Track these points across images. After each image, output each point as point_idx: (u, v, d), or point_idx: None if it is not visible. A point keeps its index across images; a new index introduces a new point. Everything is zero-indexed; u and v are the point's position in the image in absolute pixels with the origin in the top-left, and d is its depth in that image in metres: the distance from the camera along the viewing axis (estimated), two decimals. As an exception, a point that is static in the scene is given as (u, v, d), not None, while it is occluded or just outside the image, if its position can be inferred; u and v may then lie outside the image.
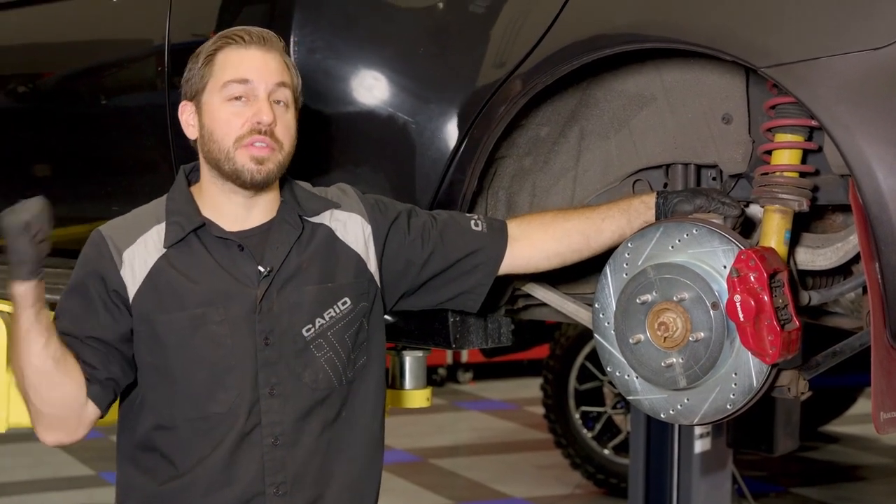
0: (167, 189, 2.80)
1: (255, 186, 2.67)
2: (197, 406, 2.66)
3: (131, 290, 2.66)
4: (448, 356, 11.31)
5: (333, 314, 2.73)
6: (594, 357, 7.54)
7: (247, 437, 2.66)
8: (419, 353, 3.46)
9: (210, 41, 2.72)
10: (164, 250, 2.67)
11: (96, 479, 7.58)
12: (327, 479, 2.73)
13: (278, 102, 2.68)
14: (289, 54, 2.87)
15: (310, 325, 2.70)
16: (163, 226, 2.69)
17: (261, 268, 2.68)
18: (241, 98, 2.65)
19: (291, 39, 3.06)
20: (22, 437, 8.71)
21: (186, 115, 2.74)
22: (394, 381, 3.47)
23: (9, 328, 2.72)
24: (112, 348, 2.66)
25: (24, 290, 2.52)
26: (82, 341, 2.65)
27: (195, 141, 2.74)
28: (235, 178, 2.66)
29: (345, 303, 2.74)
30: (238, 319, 2.66)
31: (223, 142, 2.65)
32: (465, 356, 11.40)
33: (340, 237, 2.76)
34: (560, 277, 3.00)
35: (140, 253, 2.67)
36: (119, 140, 3.68)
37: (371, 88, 3.04)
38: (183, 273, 2.66)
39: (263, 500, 2.67)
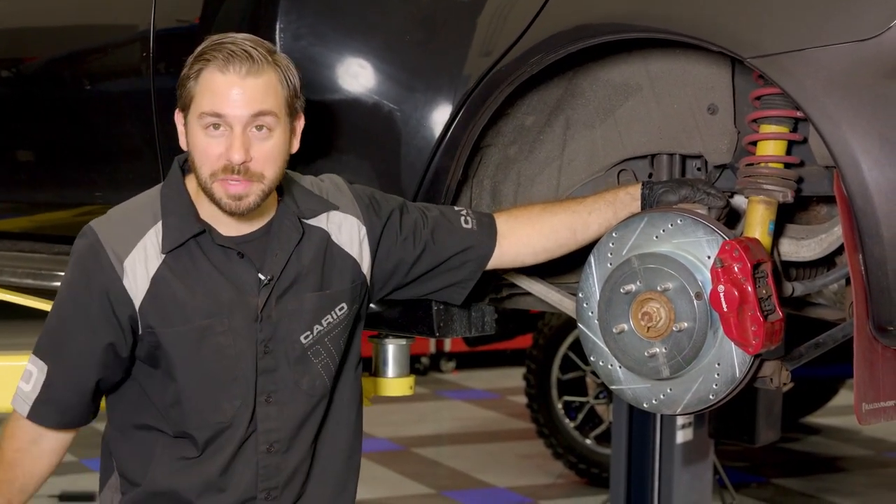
0: (151, 176, 2.79)
1: (239, 216, 2.60)
2: (203, 416, 2.64)
3: (136, 301, 2.59)
4: (431, 345, 11.31)
5: (331, 320, 2.71)
6: (577, 347, 7.54)
7: (243, 445, 2.65)
8: (402, 342, 3.45)
9: (203, 47, 2.60)
10: (163, 256, 2.60)
11: (78, 466, 7.54)
12: (312, 476, 2.74)
13: (260, 128, 2.56)
14: (275, 50, 2.85)
15: (308, 332, 2.68)
16: (160, 226, 2.62)
17: (261, 276, 2.64)
18: (218, 126, 2.55)
19: (277, 26, 3.04)
20: (3, 422, 8.68)
21: (180, 126, 2.65)
22: (376, 369, 3.47)
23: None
24: (99, 370, 2.65)
25: None
26: (69, 362, 2.65)
27: (185, 151, 2.65)
28: (217, 205, 2.59)
29: (341, 308, 2.73)
30: (240, 329, 2.63)
31: (200, 171, 2.57)
32: (447, 345, 11.40)
33: (335, 241, 2.73)
34: (544, 267, 2.99)
35: (140, 260, 2.60)
36: (103, 126, 3.67)
37: (357, 76, 3.03)
38: (184, 282, 2.61)
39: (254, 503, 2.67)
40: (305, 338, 2.68)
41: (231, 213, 2.59)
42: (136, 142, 3.50)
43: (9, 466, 2.75)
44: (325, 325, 2.70)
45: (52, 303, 3.53)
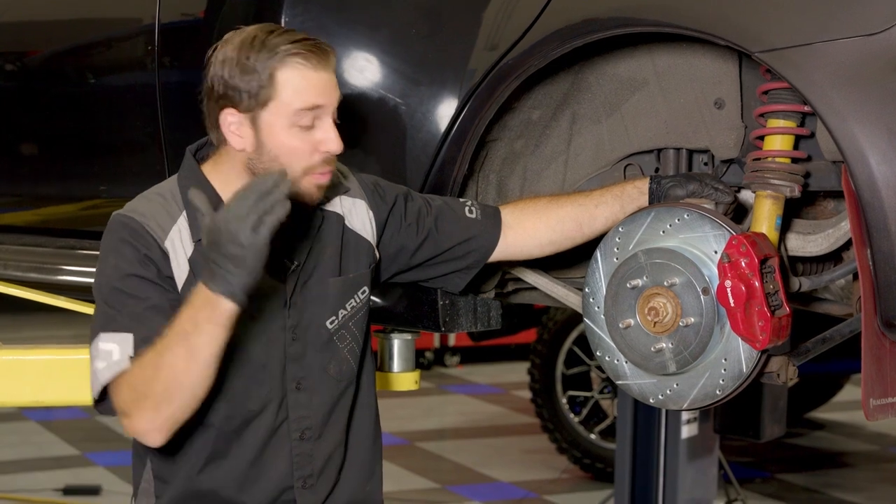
0: (155, 169, 2.78)
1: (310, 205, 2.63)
2: (232, 404, 2.62)
3: (179, 282, 2.55)
4: (435, 339, 11.30)
5: (354, 304, 2.72)
6: (581, 342, 7.55)
7: (275, 433, 2.64)
8: (408, 336, 3.45)
9: (268, 48, 2.52)
10: (194, 243, 2.57)
11: (81, 459, 7.55)
12: (345, 464, 2.74)
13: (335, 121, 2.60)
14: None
15: (333, 317, 2.68)
16: (185, 215, 2.58)
17: (287, 262, 2.64)
18: (310, 121, 2.56)
19: (282, 20, 3.04)
20: (7, 415, 8.70)
21: (234, 126, 2.56)
22: (382, 363, 3.46)
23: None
24: None
25: (231, 309, 2.38)
26: (149, 322, 2.50)
27: (241, 150, 2.58)
28: (291, 198, 2.57)
29: (364, 292, 2.73)
30: (270, 315, 2.62)
31: (290, 168, 2.53)
32: (452, 340, 11.40)
33: (349, 225, 2.74)
34: (550, 262, 2.99)
35: (178, 243, 2.57)
36: (108, 120, 3.66)
37: (362, 70, 3.02)
38: None
39: (292, 493, 2.66)
40: (331, 323, 2.68)
41: (308, 204, 2.62)
42: (140, 135, 3.49)
43: (166, 386, 2.43)
44: (349, 309, 2.71)
45: (56, 297, 3.55)
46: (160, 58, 3.39)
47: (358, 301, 2.72)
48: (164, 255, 2.54)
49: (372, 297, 2.88)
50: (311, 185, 2.58)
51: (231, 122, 2.56)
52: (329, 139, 2.56)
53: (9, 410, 8.69)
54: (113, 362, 2.49)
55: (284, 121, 2.54)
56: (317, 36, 3.00)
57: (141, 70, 3.50)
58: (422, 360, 11.06)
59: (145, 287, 2.53)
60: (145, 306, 2.51)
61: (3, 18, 3.97)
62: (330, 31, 3.04)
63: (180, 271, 2.56)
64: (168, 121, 3.35)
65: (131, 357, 2.48)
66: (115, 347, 2.50)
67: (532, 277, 3.04)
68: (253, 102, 2.53)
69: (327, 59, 2.57)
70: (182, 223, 2.58)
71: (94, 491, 6.93)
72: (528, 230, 2.83)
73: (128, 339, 2.50)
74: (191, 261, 2.56)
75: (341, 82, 2.99)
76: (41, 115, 3.87)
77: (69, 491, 6.98)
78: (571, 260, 3.02)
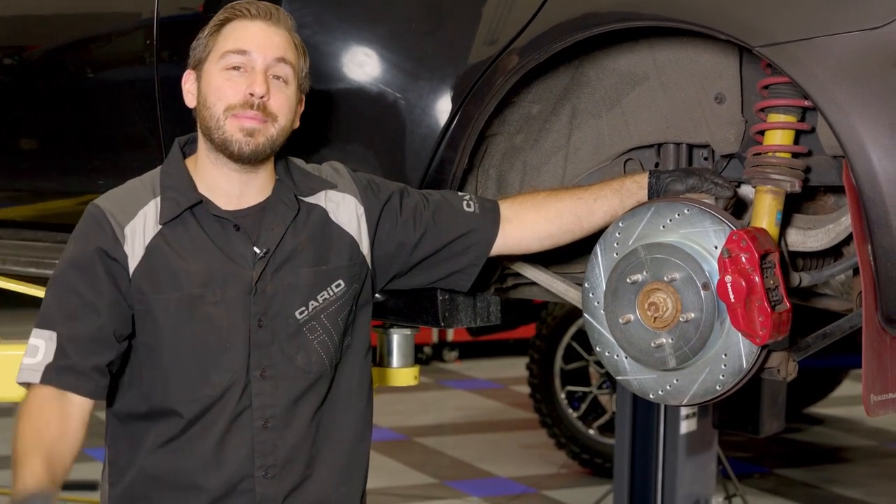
0: (155, 164, 2.78)
1: (244, 159, 2.63)
2: (190, 388, 2.63)
3: (132, 265, 2.62)
4: (434, 335, 11.32)
5: (327, 296, 2.71)
6: (580, 337, 7.55)
7: (237, 420, 2.64)
8: (407, 332, 3.44)
9: (219, 12, 2.69)
10: (161, 226, 2.64)
11: (80, 455, 7.54)
12: (315, 460, 2.72)
13: (277, 78, 2.65)
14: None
15: (303, 308, 2.68)
16: (159, 199, 2.66)
17: (256, 249, 2.65)
18: (238, 69, 2.63)
19: (281, 14, 3.03)
20: (4, 411, 8.69)
21: (188, 84, 2.72)
22: (381, 359, 3.46)
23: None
24: (109, 326, 2.61)
25: None
26: (78, 321, 2.60)
27: (194, 110, 2.70)
28: (224, 149, 2.63)
29: (338, 285, 2.72)
30: (233, 301, 2.63)
31: (214, 108, 2.63)
32: (450, 335, 11.41)
33: (334, 219, 2.74)
34: (550, 257, 2.98)
35: (139, 228, 2.63)
36: (106, 114, 3.65)
37: (361, 65, 3.01)
38: (178, 252, 2.63)
39: (252, 482, 2.65)
40: (301, 313, 2.68)
41: (238, 155, 2.63)
42: (139, 130, 3.49)
43: (35, 438, 2.56)
44: (320, 301, 2.70)
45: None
46: (159, 52, 3.39)
47: (331, 294, 2.71)
48: (118, 241, 2.62)
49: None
50: (235, 127, 2.62)
51: (187, 82, 2.71)
52: (253, 81, 2.62)
53: (5, 405, 8.67)
54: (34, 363, 2.61)
55: (216, 65, 2.65)
56: (317, 30, 3.01)
57: (140, 64, 3.49)
58: (420, 355, 11.07)
59: (87, 280, 2.62)
60: (81, 304, 2.62)
61: (2, 13, 3.96)
62: (329, 26, 3.04)
63: (134, 255, 2.63)
64: (167, 115, 3.34)
65: (49, 364, 2.59)
66: (41, 344, 2.62)
67: (532, 273, 3.03)
68: (199, 57, 2.69)
69: (268, 15, 2.67)
70: (150, 208, 2.65)
71: (91, 486, 6.92)
72: (526, 223, 2.82)
73: (52, 336, 2.61)
74: (150, 246, 2.62)
75: (340, 77, 3.00)
76: (40, 109, 3.86)
77: (66, 486, 6.95)
78: (571, 255, 3.01)
